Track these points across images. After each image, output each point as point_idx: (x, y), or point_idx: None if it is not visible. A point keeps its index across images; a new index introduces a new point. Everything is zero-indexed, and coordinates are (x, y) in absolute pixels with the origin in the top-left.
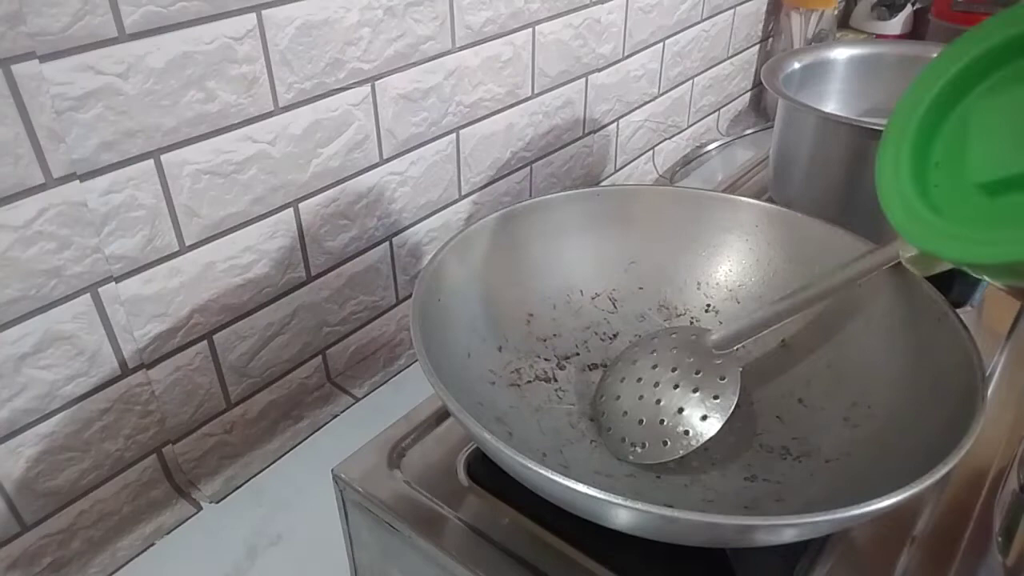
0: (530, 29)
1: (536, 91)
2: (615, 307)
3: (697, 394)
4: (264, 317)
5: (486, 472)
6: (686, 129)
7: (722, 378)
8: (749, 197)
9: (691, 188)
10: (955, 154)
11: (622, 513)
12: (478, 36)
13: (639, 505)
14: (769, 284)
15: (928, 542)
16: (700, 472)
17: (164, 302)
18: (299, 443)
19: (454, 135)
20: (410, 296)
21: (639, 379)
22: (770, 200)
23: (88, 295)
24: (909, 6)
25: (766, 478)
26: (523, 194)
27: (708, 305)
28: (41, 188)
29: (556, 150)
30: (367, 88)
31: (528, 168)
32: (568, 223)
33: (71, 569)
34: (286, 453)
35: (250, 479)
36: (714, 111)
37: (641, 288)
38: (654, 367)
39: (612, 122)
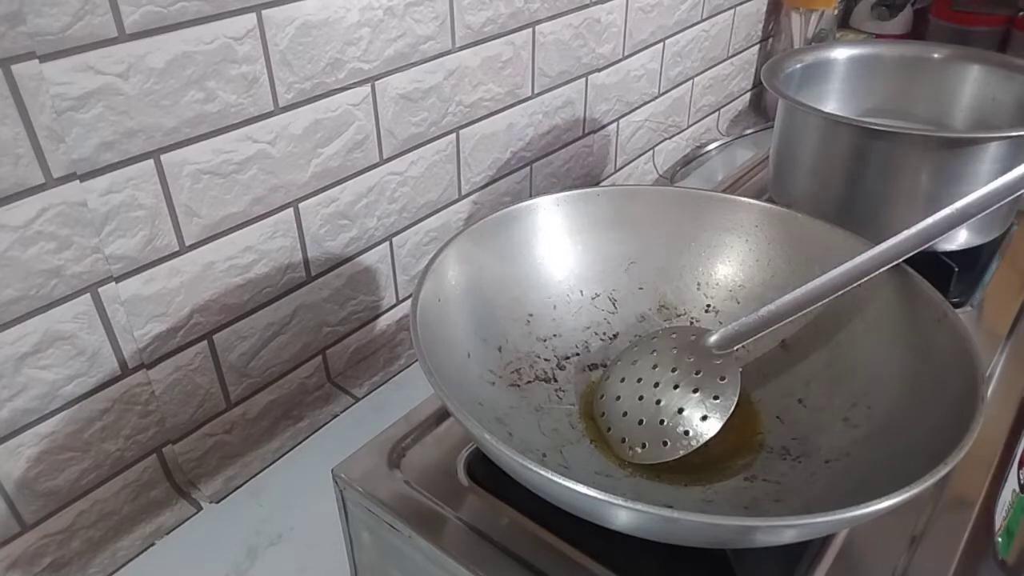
0: (530, 29)
1: (536, 91)
2: (615, 307)
3: (697, 394)
4: (264, 317)
5: (486, 472)
6: (686, 129)
7: (722, 378)
8: (749, 197)
9: (691, 188)
10: None
11: (622, 514)
12: (478, 36)
13: (639, 506)
14: (769, 284)
15: (928, 542)
16: (700, 472)
17: (164, 302)
18: (299, 443)
19: (454, 135)
20: (410, 296)
21: (639, 379)
22: (770, 200)
23: (88, 295)
24: (909, 6)
25: (766, 478)
26: (523, 194)
27: (708, 305)
28: (41, 188)
29: (556, 150)
30: (367, 88)
31: (528, 168)
32: (568, 223)
33: (71, 569)
34: (286, 453)
35: (250, 479)
36: (714, 111)
37: (641, 288)
38: (654, 367)
39: (612, 122)
